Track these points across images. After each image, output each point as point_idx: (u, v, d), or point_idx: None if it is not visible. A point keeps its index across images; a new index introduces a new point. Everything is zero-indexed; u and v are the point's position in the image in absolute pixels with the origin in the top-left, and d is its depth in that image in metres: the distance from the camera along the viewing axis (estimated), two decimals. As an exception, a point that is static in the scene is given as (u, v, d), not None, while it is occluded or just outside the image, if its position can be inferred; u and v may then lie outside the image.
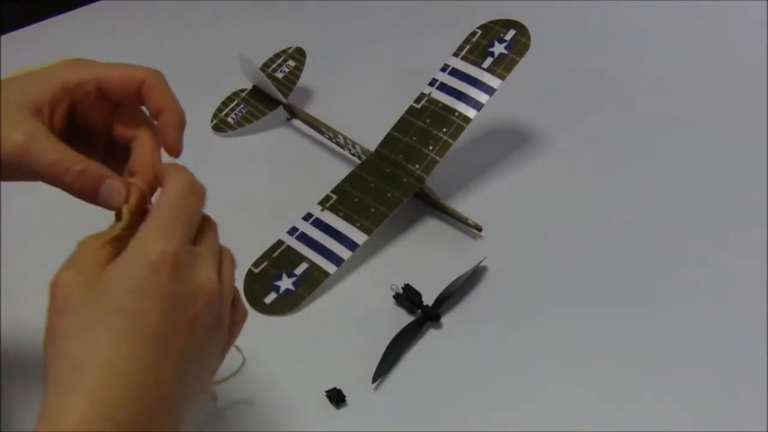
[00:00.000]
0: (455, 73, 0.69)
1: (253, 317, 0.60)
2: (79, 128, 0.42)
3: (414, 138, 0.68)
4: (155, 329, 0.33)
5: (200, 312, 0.35)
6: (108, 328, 0.32)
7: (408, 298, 0.59)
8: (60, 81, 0.40)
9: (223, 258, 0.38)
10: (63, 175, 0.38)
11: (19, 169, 0.38)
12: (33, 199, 0.71)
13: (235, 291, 0.40)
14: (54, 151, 0.38)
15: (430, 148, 0.67)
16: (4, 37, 0.96)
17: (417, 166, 0.66)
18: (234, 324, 0.40)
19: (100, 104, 0.42)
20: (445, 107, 0.68)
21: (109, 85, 0.41)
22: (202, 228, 0.38)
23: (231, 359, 0.48)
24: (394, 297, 0.60)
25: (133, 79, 0.41)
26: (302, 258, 0.63)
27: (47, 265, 0.63)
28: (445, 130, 0.67)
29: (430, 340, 0.58)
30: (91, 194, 0.38)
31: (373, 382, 0.54)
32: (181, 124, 0.41)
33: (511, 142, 0.77)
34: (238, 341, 0.43)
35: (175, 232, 0.35)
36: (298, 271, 0.62)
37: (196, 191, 0.38)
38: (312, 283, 0.62)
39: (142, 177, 0.40)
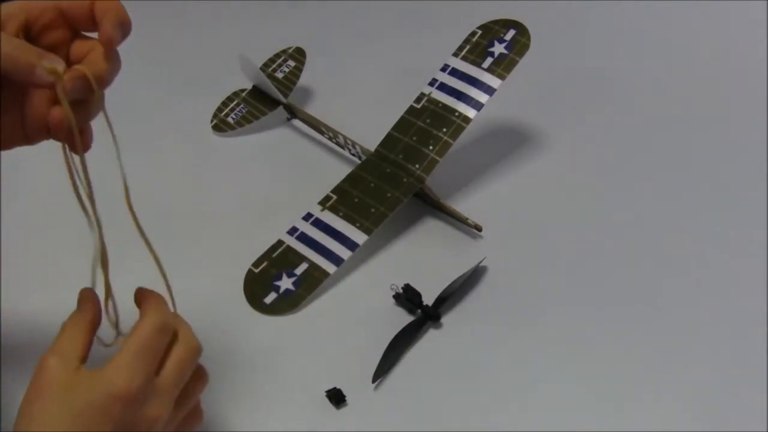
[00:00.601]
0: (455, 73, 0.69)
1: (254, 317, 0.60)
2: None
3: (414, 138, 0.68)
4: None
5: None
6: (65, 427, 0.39)
7: (408, 298, 0.59)
8: (17, 4, 0.43)
9: (192, 381, 0.44)
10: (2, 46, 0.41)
11: None
12: (33, 200, 0.71)
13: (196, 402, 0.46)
14: None
15: (430, 148, 0.67)
16: (4, 37, 0.96)
17: (417, 166, 0.66)
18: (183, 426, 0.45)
19: (59, 31, 0.44)
20: (445, 107, 0.68)
21: (66, 7, 0.43)
22: (178, 356, 0.43)
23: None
24: (394, 297, 0.60)
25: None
26: (302, 258, 0.63)
27: (47, 265, 0.64)
28: (445, 130, 0.67)
29: (430, 340, 0.58)
30: (29, 66, 0.41)
31: (373, 382, 0.54)
32: (120, 22, 0.44)
33: (511, 142, 0.77)
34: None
35: (139, 369, 0.40)
36: (298, 271, 0.62)
37: (166, 331, 0.42)
38: (312, 283, 0.62)
39: (88, 65, 0.43)
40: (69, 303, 0.54)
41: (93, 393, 0.39)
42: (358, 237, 0.63)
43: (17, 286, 0.62)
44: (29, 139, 0.46)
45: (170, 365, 0.42)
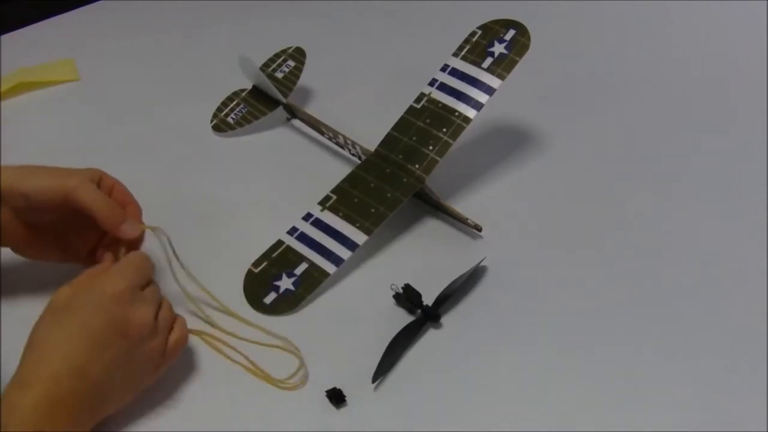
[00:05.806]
0: (455, 73, 0.69)
1: (254, 318, 0.60)
2: None
3: (414, 138, 0.68)
4: (96, 334, 0.48)
5: (132, 333, 0.49)
6: (70, 326, 0.48)
7: (408, 298, 0.59)
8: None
9: (163, 304, 0.53)
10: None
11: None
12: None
13: (174, 321, 0.54)
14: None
15: (430, 148, 0.67)
16: (4, 37, 0.96)
17: (417, 166, 0.66)
18: (169, 350, 0.53)
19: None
20: (445, 107, 0.68)
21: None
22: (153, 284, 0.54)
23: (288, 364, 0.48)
24: (394, 297, 0.60)
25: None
26: (302, 258, 0.63)
27: (47, 265, 0.63)
28: (445, 130, 0.67)
29: (430, 340, 0.58)
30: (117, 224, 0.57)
31: (373, 382, 0.54)
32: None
33: (511, 142, 0.77)
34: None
35: (128, 277, 0.51)
36: (298, 271, 0.62)
37: (150, 264, 0.55)
38: (312, 283, 0.62)
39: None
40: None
41: (91, 296, 0.49)
42: (358, 237, 0.63)
43: (17, 287, 0.62)
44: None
45: (153, 288, 0.53)
